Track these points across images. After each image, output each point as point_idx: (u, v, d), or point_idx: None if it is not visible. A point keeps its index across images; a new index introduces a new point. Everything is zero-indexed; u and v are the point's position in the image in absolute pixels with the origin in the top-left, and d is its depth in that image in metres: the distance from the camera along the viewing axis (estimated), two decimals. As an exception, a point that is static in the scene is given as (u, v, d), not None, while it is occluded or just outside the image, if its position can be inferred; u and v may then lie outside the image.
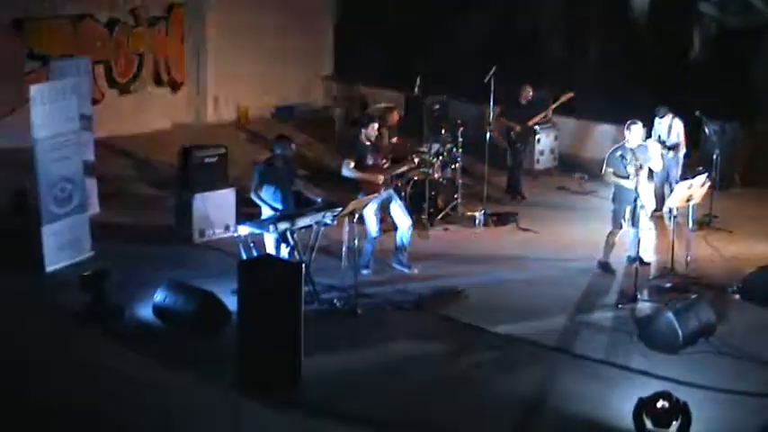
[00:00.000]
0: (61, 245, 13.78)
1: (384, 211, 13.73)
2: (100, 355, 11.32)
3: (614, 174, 13.42)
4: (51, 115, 13.58)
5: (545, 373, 11.01)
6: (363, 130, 13.61)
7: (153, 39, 21.78)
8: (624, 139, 13.54)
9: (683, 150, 16.07)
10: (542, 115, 17.85)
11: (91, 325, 11.91)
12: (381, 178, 13.54)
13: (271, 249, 12.53)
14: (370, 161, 13.57)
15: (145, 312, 12.17)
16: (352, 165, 13.47)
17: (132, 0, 21.17)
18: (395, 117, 16.41)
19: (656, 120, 16.04)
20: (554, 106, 17.84)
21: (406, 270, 13.81)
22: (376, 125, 13.76)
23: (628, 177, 13.20)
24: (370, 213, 13.43)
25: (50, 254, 13.60)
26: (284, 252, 12.47)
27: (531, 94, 17.57)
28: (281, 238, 12.44)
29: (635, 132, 13.44)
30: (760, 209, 16.95)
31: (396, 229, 13.88)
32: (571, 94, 17.61)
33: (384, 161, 13.80)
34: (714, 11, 21.04)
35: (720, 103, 17.73)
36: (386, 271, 13.77)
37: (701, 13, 21.06)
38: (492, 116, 17.17)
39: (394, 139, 16.02)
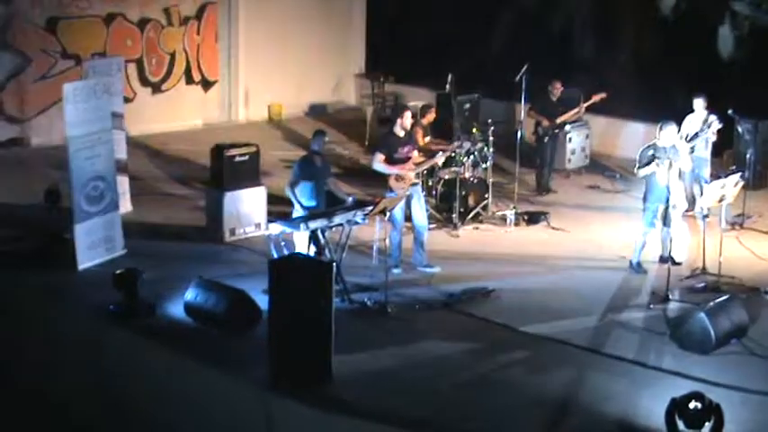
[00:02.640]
0: (93, 243, 13.85)
1: (407, 206, 13.73)
2: (132, 353, 11.37)
3: (646, 170, 13.36)
4: (84, 114, 13.65)
5: (576, 372, 10.97)
6: (399, 120, 13.62)
7: (185, 37, 21.85)
8: (656, 137, 13.48)
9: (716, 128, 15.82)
10: (573, 113, 17.82)
11: (123, 323, 11.96)
12: (411, 176, 13.54)
13: (301, 248, 12.55)
14: (401, 154, 13.57)
15: (176, 311, 12.22)
16: (383, 158, 13.48)
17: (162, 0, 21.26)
18: (431, 116, 16.46)
19: (689, 117, 15.89)
20: (586, 105, 17.80)
21: (427, 270, 13.80)
22: (410, 113, 13.77)
23: (659, 173, 13.17)
24: (398, 207, 13.44)
25: (83, 252, 13.66)
26: (312, 251, 12.48)
27: (560, 90, 17.54)
28: (312, 237, 12.47)
29: (668, 132, 13.39)
30: (793, 208, 16.85)
31: (414, 226, 13.88)
32: (603, 95, 17.54)
33: (415, 155, 13.80)
34: (748, 9, 20.89)
35: (754, 102, 17.61)
36: (416, 270, 13.77)
37: (734, 11, 20.93)
38: (523, 115, 17.13)
39: (427, 139, 16.05)
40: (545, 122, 17.46)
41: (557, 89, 17.54)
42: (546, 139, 17.60)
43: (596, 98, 17.63)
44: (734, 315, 11.61)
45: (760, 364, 11.14)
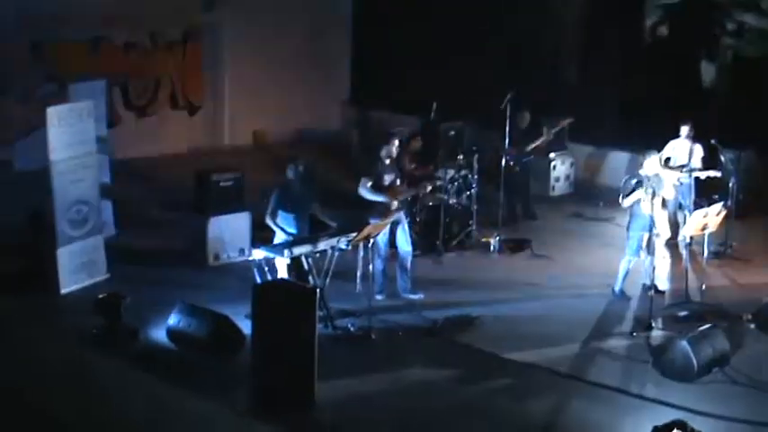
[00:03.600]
0: (76, 267, 13.82)
1: (391, 232, 13.73)
2: (114, 377, 11.32)
3: (630, 199, 13.42)
4: (68, 137, 13.65)
5: (559, 400, 10.99)
6: (385, 147, 13.64)
7: (170, 62, 21.86)
8: (640, 166, 13.54)
9: (716, 173, 15.91)
10: (542, 140, 17.78)
11: (105, 348, 11.91)
12: (396, 204, 13.56)
13: (283, 274, 12.52)
14: (387, 181, 13.60)
15: (159, 335, 12.20)
16: (370, 184, 13.50)
17: (150, 23, 21.24)
18: (417, 143, 16.50)
19: (672, 142, 15.97)
20: (553, 132, 17.82)
21: (411, 296, 13.80)
22: (397, 141, 13.80)
23: (643, 202, 13.23)
24: (381, 233, 13.43)
25: (65, 276, 13.63)
26: (291, 276, 12.46)
27: (528, 120, 17.58)
28: (292, 263, 12.46)
29: (651, 162, 13.46)
30: (776, 238, 16.94)
31: (397, 252, 13.88)
32: (570, 120, 17.61)
33: (400, 183, 13.82)
34: (731, 38, 21.05)
35: (736, 131, 17.70)
36: (399, 297, 13.76)
37: (717, 40, 21.07)
38: (508, 142, 17.15)
39: (413, 166, 16.08)
40: (514, 152, 17.42)
41: (524, 119, 17.56)
42: (516, 168, 17.55)
43: (564, 123, 17.70)
44: (716, 344, 11.64)
45: (742, 392, 11.17)
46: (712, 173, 15.82)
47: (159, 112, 21.84)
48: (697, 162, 15.92)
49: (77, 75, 19.23)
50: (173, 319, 12.04)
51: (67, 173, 13.67)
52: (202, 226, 14.87)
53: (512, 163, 17.26)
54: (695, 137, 16.00)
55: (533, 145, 17.67)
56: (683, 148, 15.98)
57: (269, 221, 13.02)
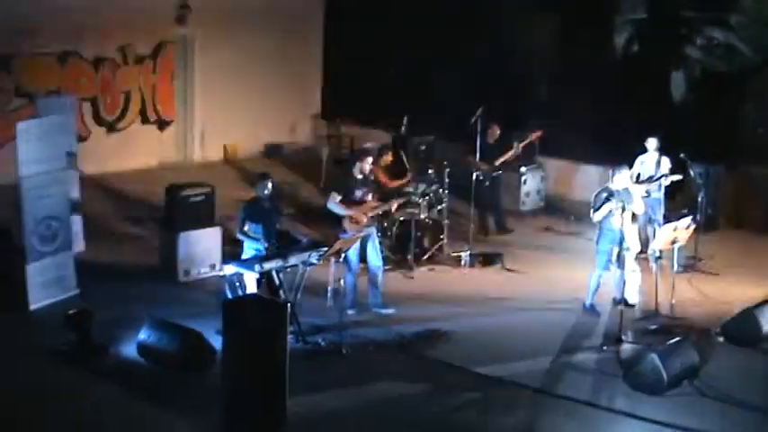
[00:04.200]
0: (46, 283, 13.74)
1: (362, 247, 13.74)
2: (84, 393, 11.26)
3: (601, 212, 13.47)
4: (37, 152, 13.58)
5: (529, 414, 11.01)
6: (358, 163, 13.65)
7: (140, 77, 21.80)
8: (609, 180, 13.60)
9: (676, 177, 16.01)
10: (511, 154, 17.82)
11: (75, 364, 11.86)
12: (365, 219, 13.57)
13: (254, 289, 12.50)
14: (357, 196, 13.60)
15: (129, 351, 12.13)
16: (339, 199, 13.50)
17: (120, 37, 21.18)
18: (389, 158, 16.52)
19: (640, 156, 16.07)
20: (523, 145, 17.87)
21: (382, 311, 13.80)
22: (370, 159, 13.82)
23: (613, 216, 13.29)
24: (352, 248, 13.43)
25: (35, 292, 13.55)
26: (260, 291, 12.44)
27: (497, 133, 17.63)
28: (266, 278, 12.44)
29: (621, 177, 13.52)
30: (745, 251, 17.05)
31: (368, 267, 13.88)
32: (539, 134, 17.66)
33: (371, 198, 13.83)
34: (699, 54, 21.18)
35: (705, 146, 17.81)
36: (370, 311, 13.76)
37: (686, 55, 21.20)
38: (479, 156, 17.19)
39: (385, 180, 16.11)
40: (483, 167, 17.46)
41: (494, 132, 17.60)
42: (486, 182, 17.59)
43: (533, 137, 17.76)
44: (685, 357, 11.71)
45: (711, 405, 11.23)
46: (675, 177, 15.92)
47: (129, 127, 21.75)
48: (665, 179, 16.02)
49: (46, 89, 19.25)
50: (143, 335, 11.99)
51: (37, 188, 13.59)
52: (173, 241, 14.81)
53: (481, 177, 17.30)
54: (662, 149, 16.11)
55: (502, 159, 17.71)
56: (651, 161, 16.10)
57: (239, 235, 13.01)
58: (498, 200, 18.10)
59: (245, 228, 12.97)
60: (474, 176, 17.11)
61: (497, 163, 17.68)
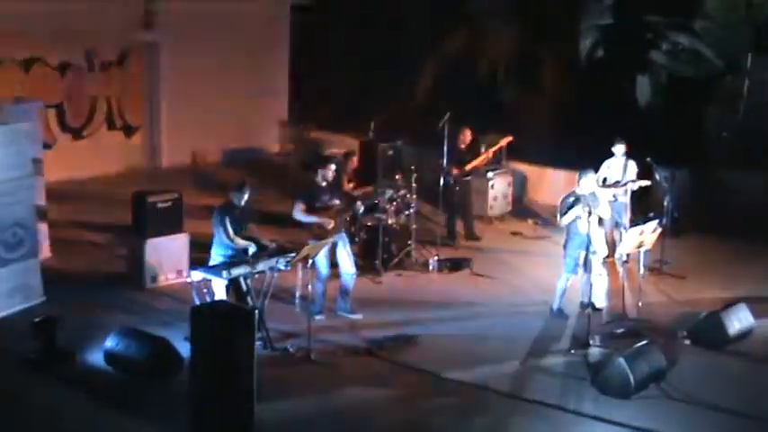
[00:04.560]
0: (11, 290, 13.65)
1: (332, 253, 13.72)
2: (51, 401, 11.20)
3: (568, 217, 13.53)
4: (2, 159, 13.50)
5: (498, 418, 11.04)
6: (321, 171, 13.62)
7: (107, 83, 21.72)
8: (576, 185, 13.66)
9: (644, 182, 16.10)
10: (481, 159, 17.86)
11: (41, 371, 11.78)
12: (332, 224, 13.54)
13: (221, 295, 12.45)
14: (323, 202, 13.57)
15: (96, 359, 12.07)
16: (303, 207, 13.47)
17: (86, 43, 21.08)
18: (353, 163, 16.52)
19: (607, 161, 16.15)
20: (493, 150, 17.89)
21: (350, 316, 13.80)
22: (334, 166, 13.78)
23: (580, 220, 13.35)
24: (321, 254, 13.42)
25: (0, 299, 13.45)
26: (229, 297, 12.39)
27: (469, 138, 17.65)
28: (234, 284, 12.41)
29: (587, 181, 13.57)
30: (710, 254, 17.16)
31: (339, 273, 13.87)
32: (509, 139, 17.68)
33: (337, 204, 13.82)
34: (665, 59, 21.32)
35: (671, 150, 17.93)
36: (338, 317, 13.76)
37: (651, 60, 21.34)
38: (446, 161, 17.21)
39: (351, 185, 16.12)
40: (454, 171, 17.48)
41: (466, 137, 17.62)
42: (456, 187, 17.62)
43: (503, 142, 17.77)
44: (652, 360, 11.78)
45: (677, 407, 11.30)
46: (643, 182, 16.04)
47: (96, 134, 21.65)
48: (631, 178, 16.11)
49: (11, 96, 19.10)
50: (110, 342, 11.93)
51: (3, 195, 13.51)
52: (140, 248, 14.76)
53: (452, 182, 17.34)
54: (629, 154, 16.20)
55: (473, 164, 17.74)
56: (618, 166, 16.19)
57: (228, 241, 12.83)
58: (469, 206, 18.11)
59: (231, 233, 12.84)
60: (442, 181, 17.15)
61: (468, 168, 17.70)
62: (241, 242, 12.80)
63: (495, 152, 18.00)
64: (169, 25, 21.96)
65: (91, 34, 20.85)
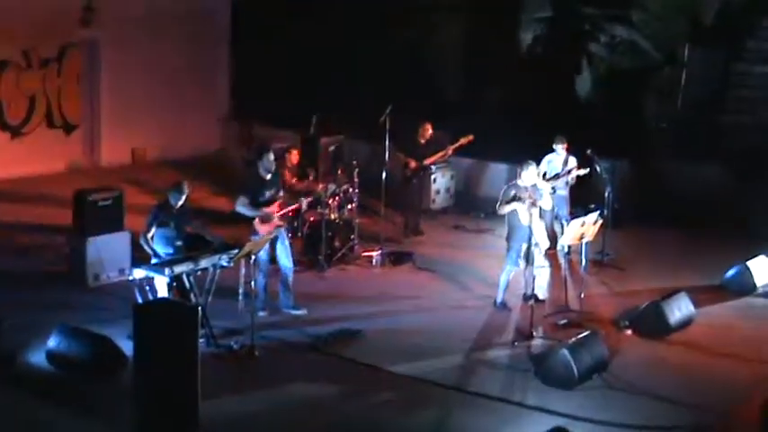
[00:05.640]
0: (-49, 291, 13.51)
1: (271, 247, 13.70)
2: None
3: (507, 207, 13.60)
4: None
5: (442, 411, 11.09)
6: (259, 162, 13.58)
7: (45, 80, 21.49)
8: (518, 177, 13.74)
9: (583, 171, 16.20)
10: (441, 155, 17.93)
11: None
12: (276, 218, 13.52)
13: (164, 293, 12.38)
14: (265, 196, 13.54)
15: (38, 359, 11.96)
16: (246, 201, 13.44)
17: (24, 40, 20.84)
18: (294, 157, 16.48)
19: (548, 156, 16.25)
20: (453, 148, 17.90)
21: (293, 311, 13.79)
22: (272, 155, 13.70)
23: (521, 213, 13.43)
24: (263, 250, 13.37)
25: (-61, 301, 13.31)
26: (171, 294, 12.34)
27: (429, 132, 17.66)
28: (176, 282, 12.35)
29: (529, 172, 13.65)
30: (650, 246, 17.35)
31: (279, 268, 13.85)
32: (471, 138, 17.73)
33: (280, 197, 13.80)
34: (604, 51, 21.48)
35: (611, 142, 18.08)
36: (282, 313, 13.74)
37: (590, 53, 21.49)
38: (387, 156, 17.23)
39: (293, 180, 16.10)
40: (412, 164, 17.54)
41: (426, 131, 17.62)
42: (413, 180, 17.69)
43: (464, 141, 17.78)
44: (595, 350, 11.90)
45: (620, 397, 11.43)
46: (582, 171, 16.13)
47: (34, 132, 21.42)
48: (571, 173, 16.22)
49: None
50: (52, 342, 11.84)
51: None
52: (81, 246, 14.64)
53: (409, 176, 17.38)
54: (569, 149, 16.29)
55: (433, 158, 17.78)
56: (558, 161, 16.28)
57: (142, 240, 12.84)
58: (420, 201, 18.16)
59: (150, 233, 12.82)
60: (403, 175, 17.22)
61: (427, 162, 17.74)
62: (146, 246, 12.80)
63: (455, 149, 18.00)
64: (108, 21, 21.76)
65: (29, 31, 20.61)
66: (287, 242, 13.93)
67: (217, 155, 23.38)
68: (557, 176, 16.12)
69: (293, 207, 14.49)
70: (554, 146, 16.27)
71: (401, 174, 17.63)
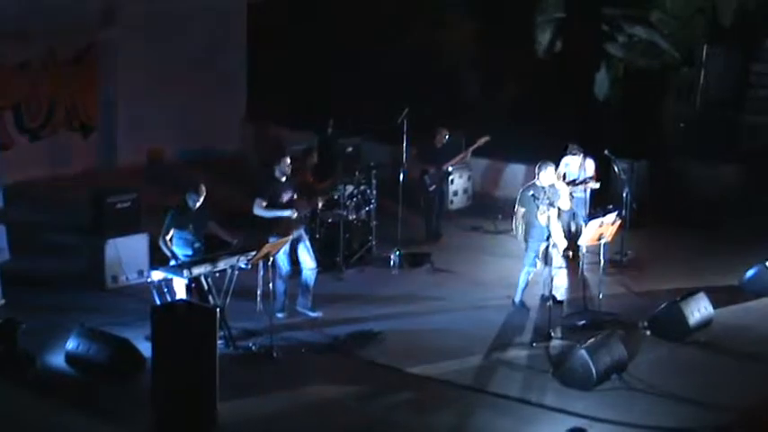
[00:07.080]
0: (-30, 293, 13.55)
1: (293, 250, 13.71)
2: (12, 404, 11.13)
3: (526, 212, 13.59)
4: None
5: (461, 412, 11.08)
6: (276, 167, 13.60)
7: (63, 83, 21.51)
8: (536, 178, 13.71)
9: (595, 185, 16.17)
10: (459, 158, 17.89)
11: (2, 374, 11.69)
12: (295, 214, 13.51)
13: (182, 294, 12.41)
14: (284, 199, 13.56)
15: (57, 361, 12.01)
16: (265, 204, 13.46)
17: (44, 42, 20.88)
18: (312, 159, 16.46)
19: (565, 158, 16.19)
20: (471, 149, 17.87)
21: (309, 313, 13.79)
22: (288, 159, 13.72)
23: (539, 215, 13.40)
24: (281, 252, 13.39)
25: (-40, 303, 13.36)
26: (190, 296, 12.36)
27: (445, 137, 17.62)
28: (195, 283, 12.36)
29: (547, 173, 13.63)
30: (669, 245, 17.26)
31: (300, 270, 13.86)
32: (487, 138, 17.67)
33: (298, 200, 13.81)
34: (621, 51, 21.44)
35: (629, 142, 18.03)
36: (300, 314, 13.73)
37: (609, 53, 21.45)
38: (405, 157, 17.21)
39: (312, 180, 16.09)
40: (432, 170, 17.47)
41: (441, 136, 17.58)
42: (434, 186, 17.62)
43: (480, 142, 17.73)
44: (614, 351, 11.86)
45: (639, 398, 11.40)
46: (594, 185, 16.06)
47: (54, 134, 21.45)
48: (589, 176, 16.15)
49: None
50: (71, 344, 11.88)
51: (-40, 198, 13.41)
52: (99, 248, 14.68)
53: (429, 182, 17.34)
54: (586, 152, 16.21)
55: (452, 162, 17.74)
56: (575, 164, 16.18)
57: (161, 242, 12.86)
58: (442, 204, 18.12)
59: (168, 236, 12.84)
60: (423, 181, 17.19)
61: (446, 166, 17.70)
62: (164, 248, 12.80)
63: (472, 151, 17.95)
64: (127, 22, 21.79)
65: (49, 32, 20.63)
66: (308, 242, 13.93)
67: (235, 155, 23.36)
68: (573, 182, 16.03)
69: (311, 207, 14.48)
70: (570, 149, 16.18)
71: (420, 180, 17.51)
